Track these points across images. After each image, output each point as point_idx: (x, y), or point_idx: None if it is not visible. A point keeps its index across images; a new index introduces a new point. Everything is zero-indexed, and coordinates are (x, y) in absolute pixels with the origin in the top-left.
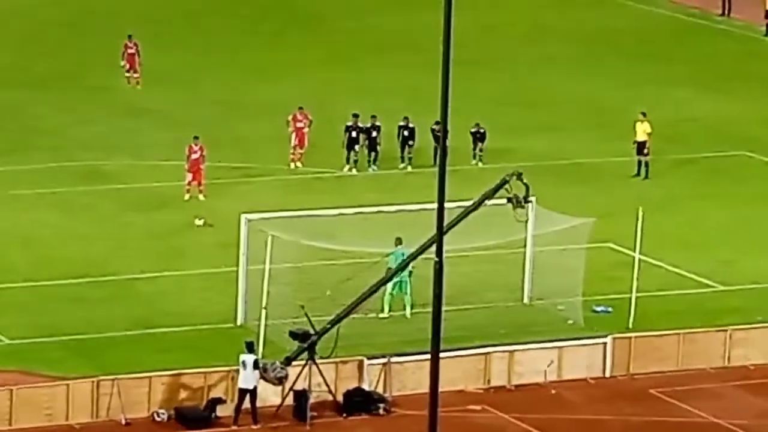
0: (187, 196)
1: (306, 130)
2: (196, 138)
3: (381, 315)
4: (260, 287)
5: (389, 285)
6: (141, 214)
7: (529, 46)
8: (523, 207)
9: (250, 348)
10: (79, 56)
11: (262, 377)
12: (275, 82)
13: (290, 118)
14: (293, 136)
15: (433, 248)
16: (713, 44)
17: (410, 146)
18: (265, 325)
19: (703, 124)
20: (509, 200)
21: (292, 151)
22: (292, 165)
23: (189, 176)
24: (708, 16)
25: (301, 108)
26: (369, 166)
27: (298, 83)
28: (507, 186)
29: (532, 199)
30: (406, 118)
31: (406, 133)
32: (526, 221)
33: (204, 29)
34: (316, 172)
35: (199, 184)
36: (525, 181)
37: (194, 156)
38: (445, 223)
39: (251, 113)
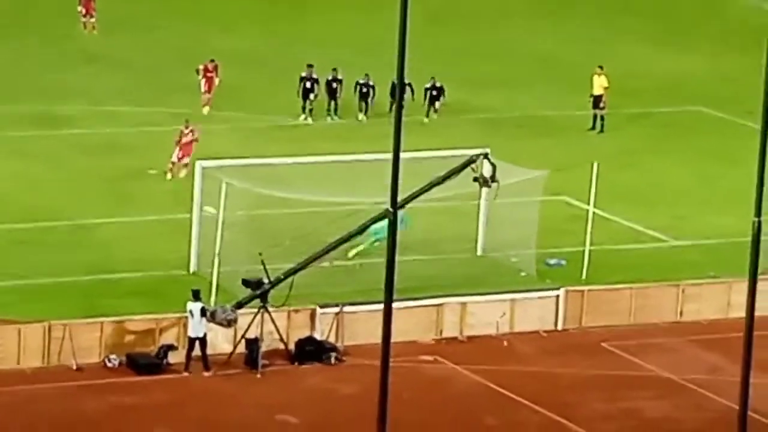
0: (169, 176)
1: (214, 78)
2: (187, 121)
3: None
4: (214, 235)
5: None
6: (96, 159)
7: (488, 1)
8: (489, 186)
9: (197, 296)
10: (35, 1)
11: (211, 321)
12: (235, 31)
13: (201, 67)
14: (203, 82)
15: (388, 198)
16: None
17: (369, 103)
18: (218, 273)
19: (658, 79)
20: (475, 179)
21: (203, 97)
22: (205, 110)
23: (176, 154)
24: None
25: (212, 60)
26: (329, 115)
27: (258, 33)
28: (473, 165)
29: (499, 179)
30: (366, 75)
31: (364, 90)
32: (495, 198)
33: None
34: (272, 121)
35: (187, 164)
36: (492, 161)
37: (185, 139)
38: (400, 171)
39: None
